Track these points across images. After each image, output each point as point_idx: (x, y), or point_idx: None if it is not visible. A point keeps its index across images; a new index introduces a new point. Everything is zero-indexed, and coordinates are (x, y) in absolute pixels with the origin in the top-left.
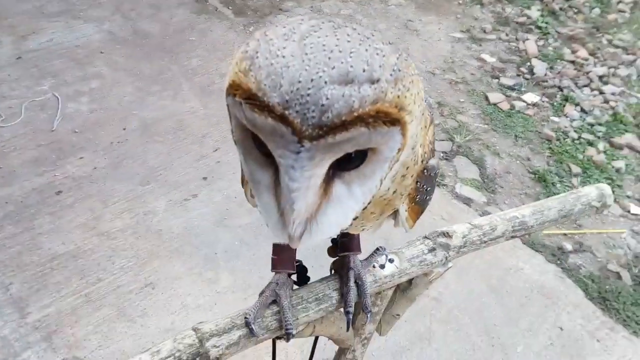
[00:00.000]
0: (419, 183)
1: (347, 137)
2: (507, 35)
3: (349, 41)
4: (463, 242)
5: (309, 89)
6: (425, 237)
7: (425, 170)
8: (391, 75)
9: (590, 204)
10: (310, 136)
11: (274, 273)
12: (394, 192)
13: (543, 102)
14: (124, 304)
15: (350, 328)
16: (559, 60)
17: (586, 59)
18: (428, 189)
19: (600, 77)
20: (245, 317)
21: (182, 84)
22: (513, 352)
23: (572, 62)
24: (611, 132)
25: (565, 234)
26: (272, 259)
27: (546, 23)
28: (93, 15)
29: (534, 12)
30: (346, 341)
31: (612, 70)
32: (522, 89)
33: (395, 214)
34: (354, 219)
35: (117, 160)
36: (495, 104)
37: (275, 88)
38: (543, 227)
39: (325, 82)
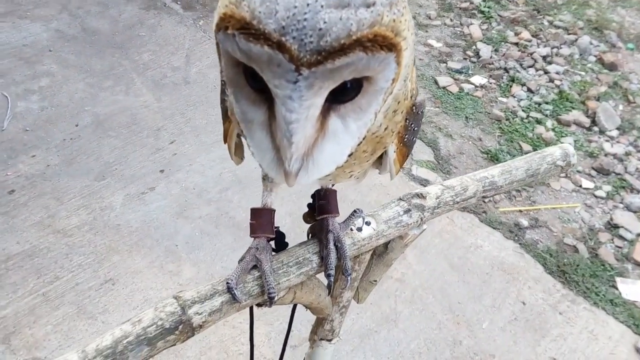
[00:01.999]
0: (407, 121)
1: (345, 62)
2: (451, 20)
3: None
4: (437, 203)
5: (305, 13)
6: (400, 199)
7: (414, 107)
8: None
9: (555, 163)
10: (309, 62)
11: (252, 239)
12: (385, 128)
13: (490, 83)
14: (84, 302)
15: (329, 297)
16: (503, 43)
17: (529, 41)
18: (415, 128)
19: (544, 57)
20: (227, 283)
21: (134, 78)
22: (478, 329)
23: (516, 44)
24: (558, 109)
25: (520, 211)
26: (251, 224)
27: (488, 7)
28: (40, 15)
29: None
30: (325, 310)
31: (555, 50)
32: (470, 72)
33: (381, 159)
34: (348, 156)
35: (70, 156)
36: (444, 88)
37: (271, 14)
38: (512, 186)
39: (322, 6)
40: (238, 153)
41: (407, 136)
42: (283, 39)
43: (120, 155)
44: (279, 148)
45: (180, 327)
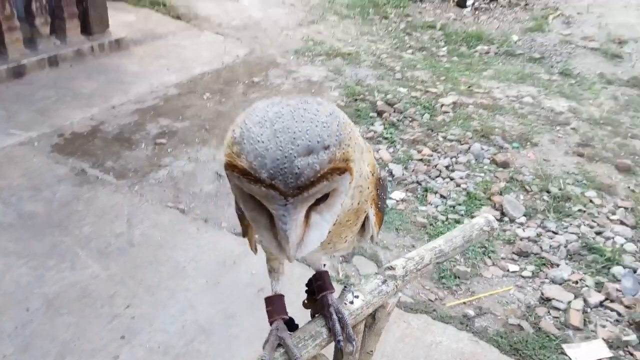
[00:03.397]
0: (378, 191)
1: (316, 190)
2: None
3: (303, 121)
4: (404, 272)
5: (285, 163)
6: (377, 273)
7: (380, 180)
8: (336, 139)
9: (482, 229)
10: (292, 194)
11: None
12: (359, 202)
13: (409, 196)
14: None
15: None
16: (410, 161)
17: (431, 155)
18: (384, 196)
19: (447, 167)
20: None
21: (78, 252)
22: None
23: (421, 159)
24: (470, 208)
25: (464, 303)
26: (268, 311)
27: (390, 133)
28: None
29: (378, 127)
30: None
31: (454, 159)
32: (389, 190)
33: (364, 226)
34: (335, 229)
35: (24, 343)
36: None
37: (263, 166)
38: (455, 252)
39: (295, 157)
40: (254, 244)
41: (380, 203)
42: (273, 182)
43: (77, 331)
44: (280, 242)
45: None
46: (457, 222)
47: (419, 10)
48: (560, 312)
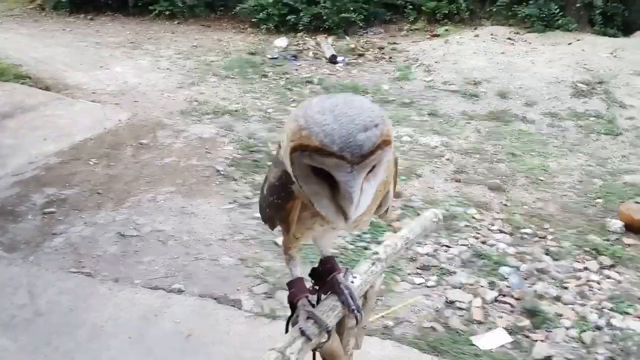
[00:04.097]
0: (396, 168)
1: (373, 158)
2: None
3: (355, 108)
4: (386, 256)
5: (350, 139)
6: (365, 258)
7: (396, 159)
8: (381, 119)
9: (432, 220)
10: (357, 163)
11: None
12: (387, 175)
13: None
14: None
15: (341, 346)
16: None
17: None
18: (398, 172)
19: None
20: (300, 328)
21: None
22: None
23: None
24: (375, 235)
25: (383, 316)
26: (292, 292)
27: None
28: None
29: None
30: (340, 357)
31: None
32: None
33: (384, 199)
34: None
35: None
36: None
37: (333, 143)
38: (418, 239)
39: (357, 132)
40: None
41: (397, 178)
42: (342, 153)
43: None
44: (341, 206)
45: None
46: (365, 249)
47: (295, 68)
48: (464, 310)
